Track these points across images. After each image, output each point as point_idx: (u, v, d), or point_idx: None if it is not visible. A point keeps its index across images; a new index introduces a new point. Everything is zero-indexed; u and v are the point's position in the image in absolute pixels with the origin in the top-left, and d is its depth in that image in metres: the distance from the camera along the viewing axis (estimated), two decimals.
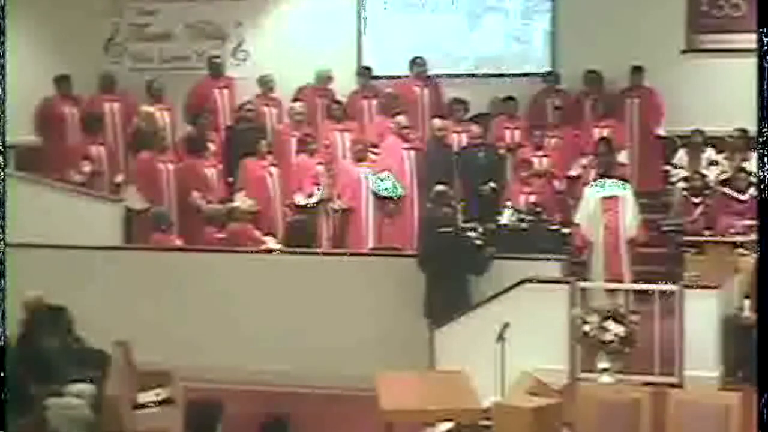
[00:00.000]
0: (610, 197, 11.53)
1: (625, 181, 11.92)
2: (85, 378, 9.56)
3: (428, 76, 14.21)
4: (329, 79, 14.24)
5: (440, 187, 11.63)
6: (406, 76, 14.22)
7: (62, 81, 14.14)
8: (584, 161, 13.06)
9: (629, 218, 11.51)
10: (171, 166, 13.27)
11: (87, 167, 13.42)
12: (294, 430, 8.31)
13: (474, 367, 9.32)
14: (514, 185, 12.78)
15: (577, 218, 11.67)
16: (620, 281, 11.24)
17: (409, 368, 9.97)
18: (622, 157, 13.18)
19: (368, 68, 14.42)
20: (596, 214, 11.50)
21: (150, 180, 13.15)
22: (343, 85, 14.33)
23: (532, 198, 12.47)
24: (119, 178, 13.63)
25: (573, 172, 13.13)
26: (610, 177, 11.80)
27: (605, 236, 11.45)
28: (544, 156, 13.26)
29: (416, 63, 14.17)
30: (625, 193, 11.60)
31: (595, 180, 11.91)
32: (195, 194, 13.05)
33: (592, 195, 11.60)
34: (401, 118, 13.31)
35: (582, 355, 10.18)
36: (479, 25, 14.67)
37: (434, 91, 14.15)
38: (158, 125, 13.77)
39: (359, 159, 13.11)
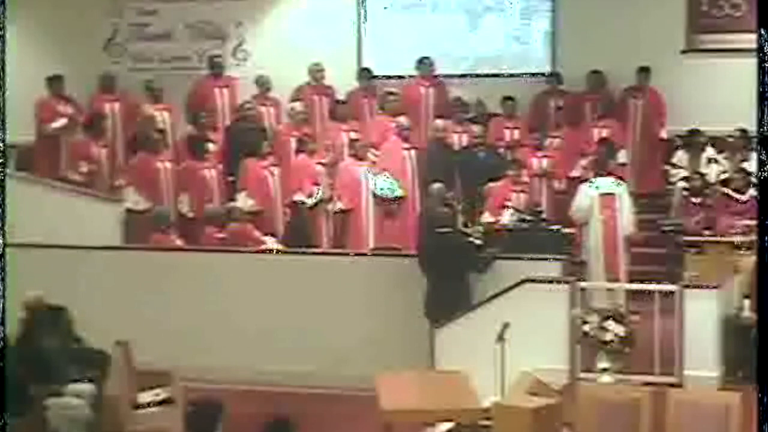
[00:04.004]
0: (607, 194, 11.57)
1: (621, 179, 11.95)
2: (85, 378, 9.56)
3: (434, 76, 14.21)
4: (321, 72, 14.22)
5: (436, 185, 11.64)
6: (410, 76, 14.22)
7: (54, 81, 14.09)
8: (584, 162, 13.06)
9: (626, 216, 11.56)
10: (169, 166, 13.27)
11: (85, 167, 13.42)
12: (294, 430, 8.30)
13: (474, 367, 9.32)
14: (504, 184, 12.72)
15: (571, 211, 11.73)
16: (618, 280, 11.26)
17: (409, 368, 9.97)
18: (622, 156, 13.18)
19: (368, 69, 14.41)
20: (594, 212, 11.53)
21: (149, 180, 13.14)
22: (344, 85, 14.33)
23: (522, 197, 12.46)
24: (119, 181, 13.63)
25: (574, 173, 13.10)
26: (606, 175, 11.83)
27: (604, 234, 11.48)
28: (544, 156, 13.26)
29: (423, 63, 14.17)
30: (621, 191, 11.65)
31: (592, 178, 11.93)
32: (181, 197, 13.06)
33: (588, 192, 11.64)
34: (403, 119, 13.31)
35: (582, 355, 10.19)
36: (479, 25, 14.67)
37: (439, 91, 14.15)
38: (158, 125, 13.77)
39: (359, 158, 13.11)
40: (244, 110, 13.95)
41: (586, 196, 11.62)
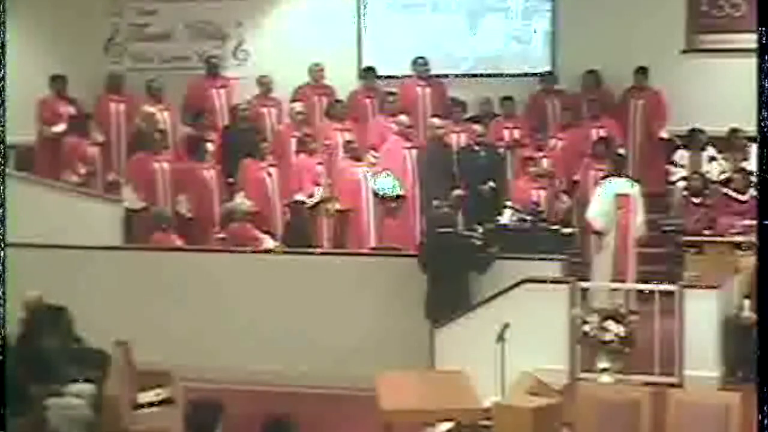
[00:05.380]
0: (624, 195, 11.59)
1: (635, 180, 11.99)
2: (85, 378, 9.55)
3: (430, 76, 14.21)
4: (321, 72, 14.21)
5: (458, 192, 11.59)
6: (408, 76, 14.22)
7: (57, 81, 14.09)
8: (585, 161, 13.05)
9: (639, 217, 11.59)
10: (167, 166, 13.25)
11: (83, 169, 13.42)
12: (294, 430, 8.31)
13: (474, 367, 9.33)
14: (521, 183, 12.74)
15: (589, 214, 11.74)
16: (626, 280, 11.27)
17: (409, 368, 9.97)
18: (622, 151, 13.18)
19: (372, 68, 14.40)
20: (611, 212, 11.54)
21: (146, 180, 13.14)
22: (344, 85, 14.33)
23: (543, 193, 12.48)
24: (112, 176, 13.63)
25: (577, 177, 13.06)
26: (620, 175, 11.86)
27: (616, 234, 11.50)
28: (545, 156, 13.26)
29: (418, 63, 14.17)
30: (635, 192, 11.68)
31: (605, 177, 11.95)
32: (179, 198, 13.06)
33: (606, 192, 11.64)
34: (404, 118, 13.31)
35: (582, 355, 10.19)
36: (479, 25, 14.66)
37: (436, 91, 14.15)
38: (158, 125, 13.77)
39: (356, 158, 13.10)
40: (240, 111, 13.94)
41: (606, 199, 11.62)
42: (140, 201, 13.06)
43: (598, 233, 11.76)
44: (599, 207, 11.70)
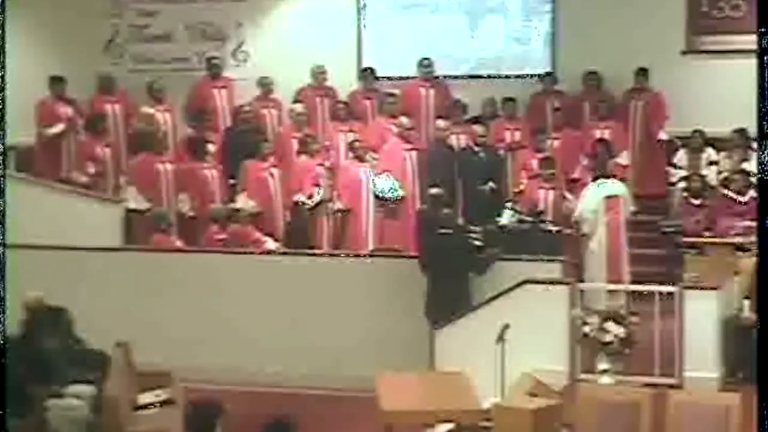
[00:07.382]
0: (612, 197, 11.59)
1: (622, 180, 11.97)
2: (85, 379, 9.56)
3: (435, 77, 14.21)
4: (323, 74, 14.22)
5: (434, 190, 11.63)
6: (410, 78, 14.21)
7: (55, 82, 14.07)
8: (584, 162, 13.06)
9: (626, 216, 11.62)
10: (170, 167, 13.26)
11: (92, 168, 13.44)
12: (294, 430, 8.32)
13: (474, 367, 9.34)
14: (534, 183, 12.70)
15: (576, 215, 11.74)
16: (621, 282, 11.27)
17: (409, 368, 9.98)
18: (623, 158, 13.19)
19: (372, 69, 14.40)
20: (599, 214, 11.53)
21: (149, 181, 13.15)
22: (344, 85, 14.33)
23: (551, 194, 12.46)
24: (123, 180, 13.64)
25: (575, 175, 13.10)
26: (607, 177, 11.85)
27: (608, 236, 11.49)
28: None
29: (423, 64, 14.17)
30: (624, 193, 11.68)
31: (594, 180, 11.94)
32: (181, 196, 13.06)
33: (594, 194, 11.64)
34: (404, 120, 13.31)
35: (582, 356, 10.19)
36: (479, 26, 14.67)
37: (440, 92, 14.14)
38: (158, 126, 13.78)
39: (358, 159, 13.11)
40: (242, 113, 13.94)
41: (594, 200, 11.61)
42: (145, 201, 13.05)
43: (584, 235, 11.75)
44: (585, 208, 11.69)
